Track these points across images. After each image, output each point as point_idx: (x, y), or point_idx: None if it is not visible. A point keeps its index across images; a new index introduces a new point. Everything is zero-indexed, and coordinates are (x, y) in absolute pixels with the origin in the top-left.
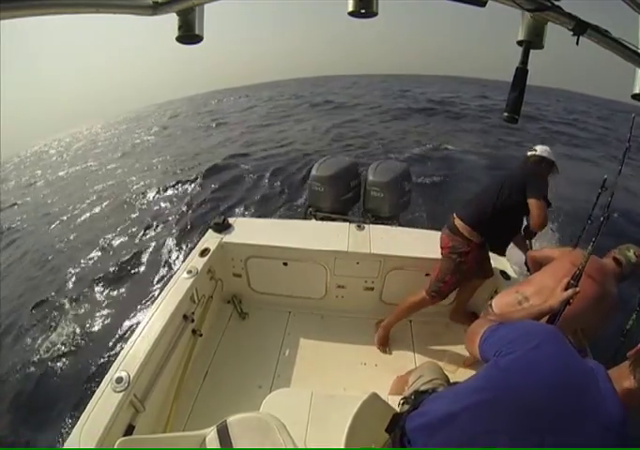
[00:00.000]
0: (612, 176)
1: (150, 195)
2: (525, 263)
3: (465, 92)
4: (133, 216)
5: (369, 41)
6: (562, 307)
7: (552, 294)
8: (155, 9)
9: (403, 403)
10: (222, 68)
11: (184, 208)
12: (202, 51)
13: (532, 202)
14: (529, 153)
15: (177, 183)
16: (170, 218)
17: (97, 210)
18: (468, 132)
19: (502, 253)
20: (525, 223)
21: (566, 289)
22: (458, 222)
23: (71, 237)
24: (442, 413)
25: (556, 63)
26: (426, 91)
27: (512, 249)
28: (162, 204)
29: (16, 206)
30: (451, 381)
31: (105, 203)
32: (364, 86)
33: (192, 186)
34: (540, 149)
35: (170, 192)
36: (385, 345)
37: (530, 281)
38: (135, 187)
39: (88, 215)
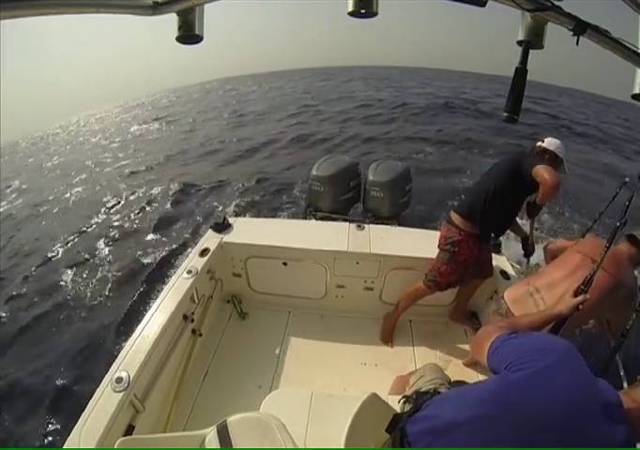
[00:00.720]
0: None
1: (150, 193)
2: (525, 255)
3: (486, 89)
4: (132, 215)
5: (386, 34)
6: (571, 312)
7: (561, 298)
8: (155, 9)
9: (404, 402)
10: (243, 55)
11: (184, 207)
12: (218, 41)
13: (537, 169)
14: (537, 143)
15: (179, 179)
16: (169, 218)
17: (94, 205)
18: (487, 129)
19: (498, 235)
20: (528, 199)
21: (575, 294)
22: (453, 214)
23: (68, 232)
24: (447, 420)
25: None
26: (446, 86)
27: (509, 242)
28: (161, 203)
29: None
30: (452, 380)
31: (105, 198)
32: (381, 79)
33: (193, 184)
34: (548, 141)
35: (170, 190)
36: (388, 340)
37: (541, 274)
38: (137, 182)
39: (80, 207)
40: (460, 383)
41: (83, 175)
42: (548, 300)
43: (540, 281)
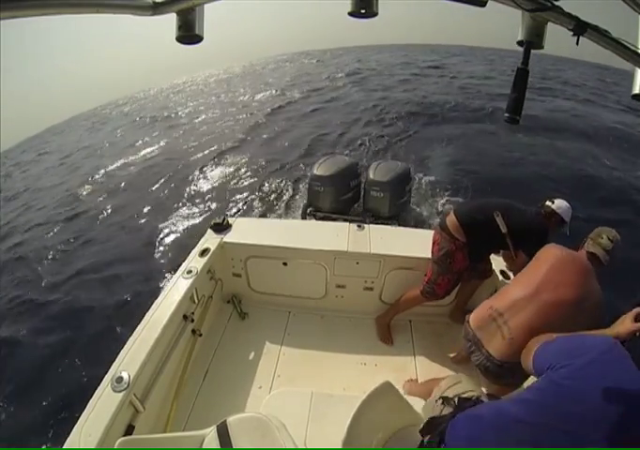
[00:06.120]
0: None
1: (150, 193)
2: None
3: None
4: (129, 215)
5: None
6: (629, 337)
7: (528, 321)
8: (155, 9)
9: (442, 403)
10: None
11: (184, 207)
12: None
13: (520, 255)
14: (547, 203)
15: (180, 179)
16: (169, 218)
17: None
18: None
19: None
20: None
21: (636, 319)
22: (450, 217)
23: (73, 234)
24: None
25: None
26: None
27: None
28: (162, 203)
29: None
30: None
31: (106, 193)
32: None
33: (194, 183)
34: (558, 204)
35: (171, 189)
36: (388, 340)
37: (503, 295)
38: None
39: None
40: (492, 398)
41: None
42: (512, 324)
43: (502, 303)
